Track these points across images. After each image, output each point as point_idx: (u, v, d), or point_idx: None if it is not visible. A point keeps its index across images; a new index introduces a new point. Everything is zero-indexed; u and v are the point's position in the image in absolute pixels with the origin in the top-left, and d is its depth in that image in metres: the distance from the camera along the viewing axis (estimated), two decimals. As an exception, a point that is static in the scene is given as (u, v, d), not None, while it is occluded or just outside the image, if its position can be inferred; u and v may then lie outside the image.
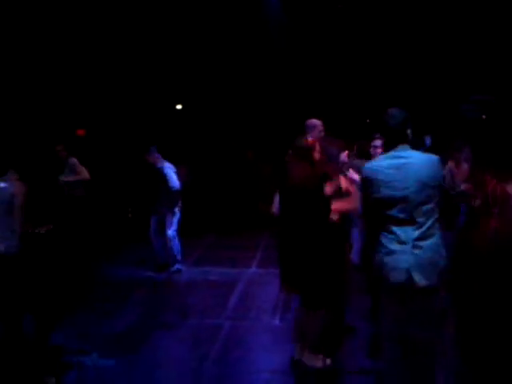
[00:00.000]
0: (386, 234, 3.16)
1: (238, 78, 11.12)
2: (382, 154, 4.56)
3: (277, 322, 5.32)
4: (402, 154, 3.15)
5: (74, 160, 7.66)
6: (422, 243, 3.06)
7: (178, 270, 6.98)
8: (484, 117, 6.08)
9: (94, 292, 6.24)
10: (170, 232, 6.83)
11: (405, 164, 3.10)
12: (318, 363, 4.16)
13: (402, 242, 3.08)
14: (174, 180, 6.71)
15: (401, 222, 3.09)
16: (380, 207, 3.17)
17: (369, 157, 5.13)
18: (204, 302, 5.93)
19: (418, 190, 3.05)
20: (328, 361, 4.19)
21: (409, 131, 3.18)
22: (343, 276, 4.39)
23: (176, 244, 6.91)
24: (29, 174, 4.29)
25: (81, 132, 10.29)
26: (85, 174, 7.67)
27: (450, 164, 4.77)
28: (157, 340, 4.92)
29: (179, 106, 12.10)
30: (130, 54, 9.94)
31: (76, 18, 8.83)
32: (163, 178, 6.68)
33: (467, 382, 3.82)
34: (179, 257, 7.00)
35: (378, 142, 5.08)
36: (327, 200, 4.03)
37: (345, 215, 4.36)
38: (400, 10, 9.32)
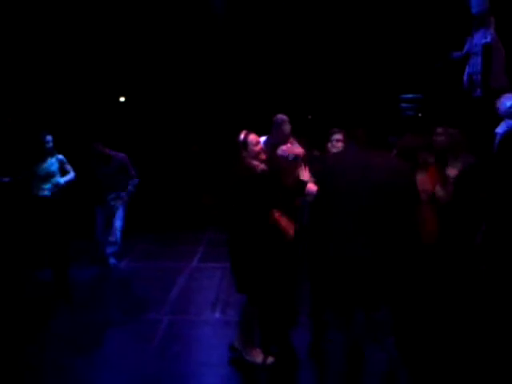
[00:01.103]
0: None
1: (183, 71, 11.00)
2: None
3: (217, 315, 5.32)
4: None
5: (63, 157, 6.62)
6: None
7: (115, 265, 6.86)
8: (420, 115, 6.33)
9: (30, 293, 6.05)
10: (121, 224, 6.73)
11: None
12: (258, 359, 4.19)
13: None
14: (134, 171, 6.68)
15: None
16: None
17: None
18: (144, 298, 5.86)
19: None
20: (270, 359, 4.19)
21: None
22: (290, 272, 4.42)
23: (120, 237, 6.81)
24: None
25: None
26: (73, 173, 6.71)
27: None
28: (96, 336, 4.82)
29: (122, 99, 11.85)
30: (71, 44, 9.65)
31: (13, 10, 8.51)
32: (125, 169, 6.62)
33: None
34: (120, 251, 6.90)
35: (339, 136, 4.94)
36: (267, 197, 4.04)
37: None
38: (342, 6, 9.54)
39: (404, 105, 6.52)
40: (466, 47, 6.30)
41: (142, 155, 10.43)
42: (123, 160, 6.70)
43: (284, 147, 4.35)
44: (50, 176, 6.38)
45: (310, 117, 9.07)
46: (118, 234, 6.76)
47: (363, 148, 3.17)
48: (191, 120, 11.38)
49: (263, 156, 4.10)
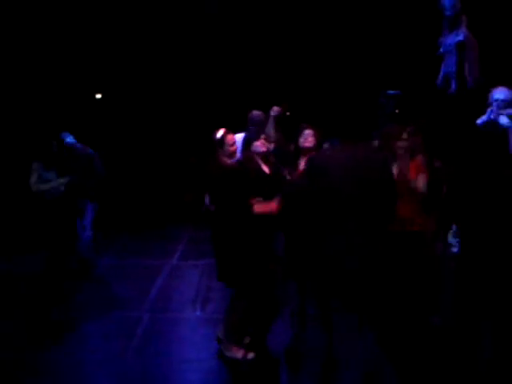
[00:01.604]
0: None
1: (160, 67, 10.90)
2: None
3: (198, 313, 5.32)
4: None
5: None
6: None
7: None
8: (397, 111, 6.42)
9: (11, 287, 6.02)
10: (90, 220, 6.65)
11: None
12: (238, 354, 4.20)
13: None
14: (101, 169, 6.61)
15: None
16: None
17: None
18: (124, 295, 5.84)
19: None
20: (251, 354, 4.21)
21: None
22: (271, 267, 4.44)
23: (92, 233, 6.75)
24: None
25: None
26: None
27: None
28: (76, 333, 4.82)
29: (99, 96, 11.72)
30: (47, 40, 9.52)
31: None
32: (95, 165, 6.53)
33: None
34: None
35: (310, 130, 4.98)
36: (244, 194, 4.08)
37: None
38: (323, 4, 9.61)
39: (383, 100, 6.59)
40: (441, 47, 6.39)
41: (120, 152, 10.38)
42: (91, 156, 6.59)
43: (258, 142, 4.42)
44: (49, 180, 6.18)
45: (288, 113, 9.12)
46: (89, 229, 6.65)
47: (347, 144, 3.25)
48: (170, 117, 11.30)
49: (236, 156, 4.24)
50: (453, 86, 6.16)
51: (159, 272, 6.63)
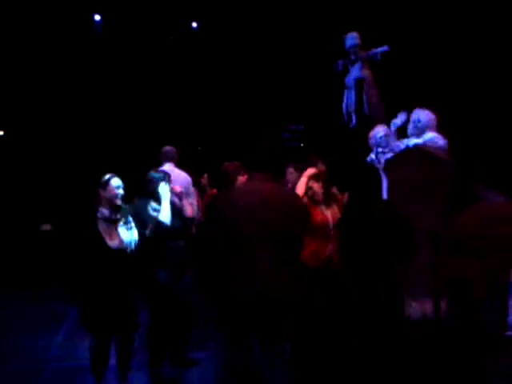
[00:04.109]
0: None
1: (63, 101, 10.60)
2: None
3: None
4: None
5: None
6: None
7: None
8: (302, 145, 6.65)
9: None
10: None
11: None
12: None
13: None
14: None
15: None
16: None
17: None
18: (25, 344, 5.49)
19: None
20: None
21: None
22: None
23: None
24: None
25: None
26: None
27: None
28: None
29: (1, 133, 11.21)
30: None
31: None
32: None
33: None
34: None
35: None
36: None
37: None
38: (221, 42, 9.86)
39: (287, 135, 6.80)
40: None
41: (25, 193, 9.89)
42: None
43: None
44: None
45: (199, 148, 9.19)
46: None
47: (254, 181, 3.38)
48: (76, 154, 10.95)
49: (118, 201, 4.17)
50: (353, 120, 6.47)
51: (65, 316, 6.31)
